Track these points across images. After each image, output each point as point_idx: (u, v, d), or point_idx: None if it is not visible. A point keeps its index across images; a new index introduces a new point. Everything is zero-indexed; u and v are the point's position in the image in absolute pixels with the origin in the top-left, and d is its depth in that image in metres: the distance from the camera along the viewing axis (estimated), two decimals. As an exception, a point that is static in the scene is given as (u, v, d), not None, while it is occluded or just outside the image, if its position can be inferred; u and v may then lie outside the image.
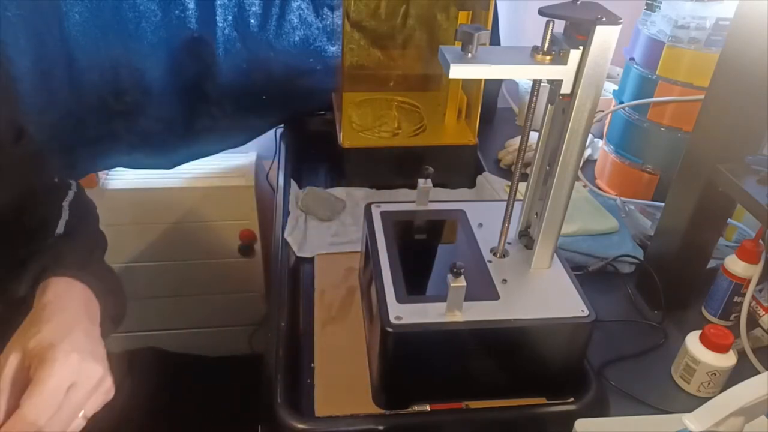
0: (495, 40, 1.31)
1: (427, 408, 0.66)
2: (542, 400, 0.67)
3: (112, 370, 0.53)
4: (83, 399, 0.49)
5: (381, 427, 0.64)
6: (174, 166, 1.31)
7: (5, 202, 0.64)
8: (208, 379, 1.46)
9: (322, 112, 1.29)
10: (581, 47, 0.54)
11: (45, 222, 0.66)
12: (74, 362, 0.48)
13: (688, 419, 0.49)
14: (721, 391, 0.49)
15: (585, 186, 1.11)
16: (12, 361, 0.48)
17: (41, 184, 0.70)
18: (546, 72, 0.56)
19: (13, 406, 0.47)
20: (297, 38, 1.18)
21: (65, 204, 0.70)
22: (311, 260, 0.90)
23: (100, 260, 0.68)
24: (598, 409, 0.67)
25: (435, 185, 0.78)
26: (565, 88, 0.56)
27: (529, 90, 1.22)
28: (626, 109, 1.05)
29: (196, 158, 1.33)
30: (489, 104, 1.36)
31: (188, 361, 1.46)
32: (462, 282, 0.57)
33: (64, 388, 0.47)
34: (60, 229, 0.66)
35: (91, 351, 0.51)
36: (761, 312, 0.78)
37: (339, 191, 1.06)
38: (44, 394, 0.46)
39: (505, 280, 0.65)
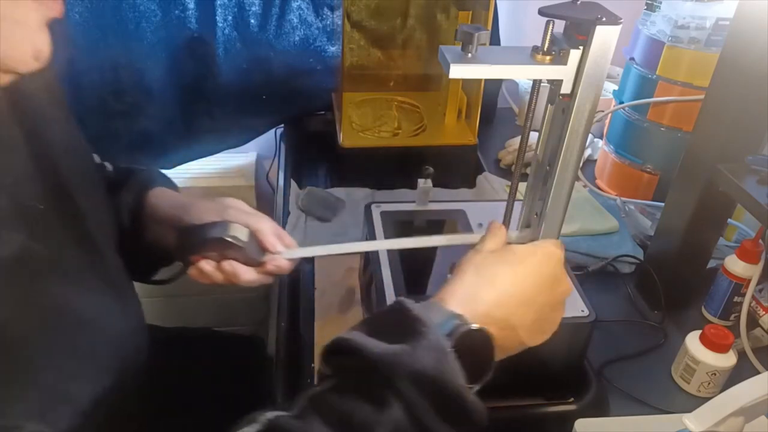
0: (495, 40, 1.31)
1: (427, 408, 0.65)
2: (542, 400, 0.67)
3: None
4: None
5: (381, 427, 0.64)
6: (174, 166, 1.31)
7: None
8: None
9: (322, 112, 1.29)
10: (581, 47, 0.54)
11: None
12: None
13: (688, 419, 0.49)
14: (721, 391, 0.49)
15: (585, 186, 1.11)
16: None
17: None
18: (546, 72, 0.56)
19: None
20: (297, 38, 1.18)
21: None
22: (311, 260, 0.90)
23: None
24: (598, 409, 0.67)
25: (435, 185, 0.78)
26: (565, 88, 0.56)
27: (529, 90, 1.22)
28: (626, 109, 1.05)
29: (196, 158, 1.33)
30: (489, 104, 1.36)
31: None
32: (462, 282, 0.57)
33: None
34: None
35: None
36: (761, 312, 0.78)
37: (339, 191, 1.06)
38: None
39: (505, 280, 0.65)
